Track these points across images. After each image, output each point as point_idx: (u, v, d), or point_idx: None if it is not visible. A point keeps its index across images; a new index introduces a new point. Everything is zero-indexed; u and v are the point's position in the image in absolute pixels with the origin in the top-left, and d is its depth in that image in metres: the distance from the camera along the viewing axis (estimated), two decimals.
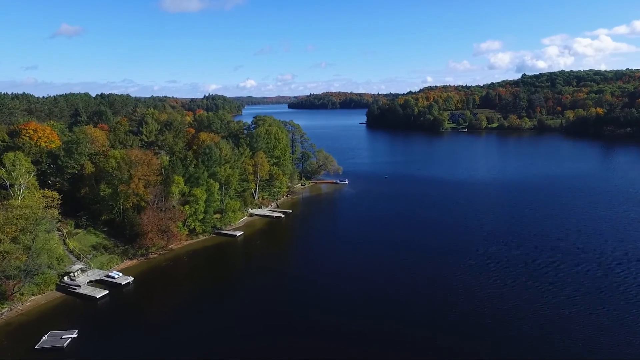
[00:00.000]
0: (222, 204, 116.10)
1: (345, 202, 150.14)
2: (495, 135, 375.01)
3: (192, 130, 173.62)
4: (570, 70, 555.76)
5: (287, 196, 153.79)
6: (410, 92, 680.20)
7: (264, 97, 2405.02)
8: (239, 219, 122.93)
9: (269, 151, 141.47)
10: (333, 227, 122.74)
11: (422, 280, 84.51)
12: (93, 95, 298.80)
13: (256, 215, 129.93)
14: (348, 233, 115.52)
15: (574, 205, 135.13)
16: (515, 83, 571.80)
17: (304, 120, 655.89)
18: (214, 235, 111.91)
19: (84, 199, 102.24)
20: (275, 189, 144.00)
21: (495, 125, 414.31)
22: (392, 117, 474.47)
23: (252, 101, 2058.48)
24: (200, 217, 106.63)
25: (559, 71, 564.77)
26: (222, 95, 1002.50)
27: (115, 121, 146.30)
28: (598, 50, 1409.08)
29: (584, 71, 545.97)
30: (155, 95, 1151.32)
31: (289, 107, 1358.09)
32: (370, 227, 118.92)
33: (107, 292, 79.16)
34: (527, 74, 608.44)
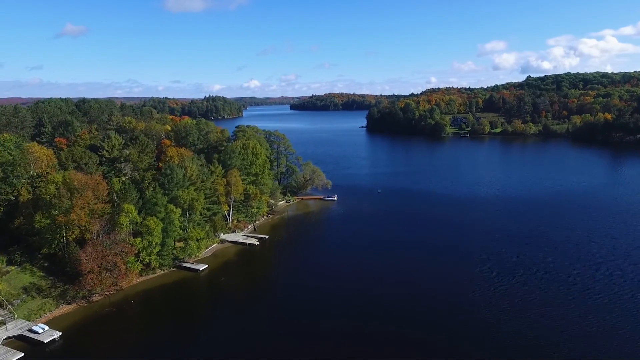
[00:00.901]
0: (185, 232, 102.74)
1: (331, 224, 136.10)
2: (499, 142, 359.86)
3: (168, 142, 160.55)
4: (577, 73, 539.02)
5: (267, 216, 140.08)
6: (412, 95, 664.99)
7: (267, 98, 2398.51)
8: (206, 248, 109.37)
9: (245, 168, 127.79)
10: (314, 257, 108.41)
11: (418, 329, 71.06)
12: (94, 97, 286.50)
13: (228, 241, 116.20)
14: (331, 265, 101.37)
15: (584, 228, 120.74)
16: (519, 86, 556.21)
17: (303, 123, 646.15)
18: (174, 270, 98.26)
19: (19, 230, 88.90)
20: (252, 210, 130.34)
21: (498, 130, 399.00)
22: (392, 120, 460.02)
23: (254, 102, 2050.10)
24: (156, 249, 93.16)
25: (564, 73, 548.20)
26: (223, 97, 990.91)
27: (77, 134, 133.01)
28: (604, 51, 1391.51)
29: (590, 73, 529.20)
30: (155, 97, 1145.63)
31: (291, 108, 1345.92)
32: (356, 257, 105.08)
33: (22, 355, 65.57)
34: (532, 75, 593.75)
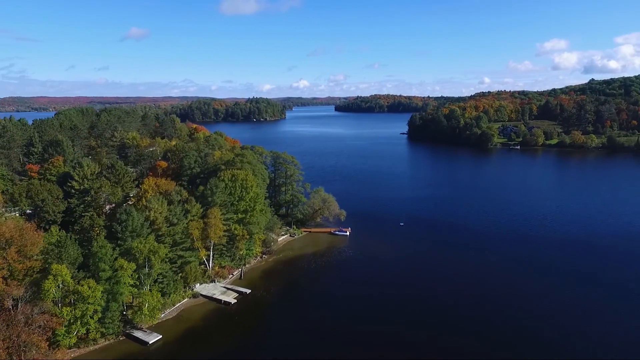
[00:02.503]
0: (141, 289, 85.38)
1: (336, 271, 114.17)
2: (554, 156, 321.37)
3: (162, 165, 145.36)
4: None
5: (262, 257, 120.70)
6: (460, 99, 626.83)
7: (314, 98, 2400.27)
8: (172, 306, 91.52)
9: (231, 204, 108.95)
10: (305, 327, 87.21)
11: None
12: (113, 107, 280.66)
13: (202, 295, 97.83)
14: (325, 342, 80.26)
15: None
16: (580, 90, 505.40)
17: (343, 128, 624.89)
18: (122, 339, 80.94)
19: None
20: (240, 252, 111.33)
21: (554, 141, 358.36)
22: (435, 128, 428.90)
23: (301, 102, 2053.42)
24: (97, 317, 76.14)
25: (635, 76, 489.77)
26: (266, 99, 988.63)
27: (51, 160, 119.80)
28: None
29: None
30: (202, 97, 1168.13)
31: (336, 109, 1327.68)
32: (362, 330, 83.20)
33: None
34: (595, 78, 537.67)
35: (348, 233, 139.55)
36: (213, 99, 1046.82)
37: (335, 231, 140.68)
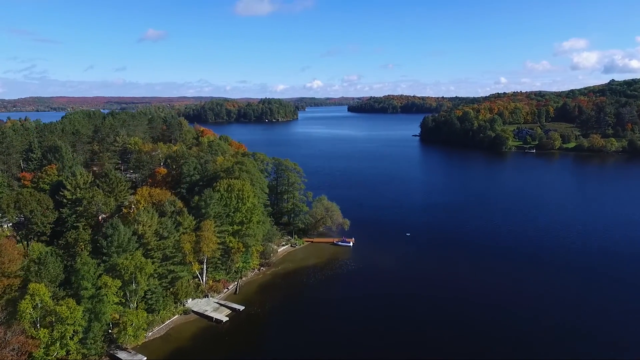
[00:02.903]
0: (129, 306, 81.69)
1: (338, 288, 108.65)
2: (571, 160, 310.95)
3: (162, 172, 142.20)
4: None
5: (259, 269, 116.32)
6: (474, 101, 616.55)
7: (328, 98, 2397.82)
8: (162, 323, 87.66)
9: (227, 216, 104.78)
10: (299, 353, 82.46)
11: None
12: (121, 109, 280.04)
13: (194, 312, 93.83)
14: None
15: None
16: (600, 91, 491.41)
17: (354, 129, 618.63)
18: None
19: None
20: (236, 265, 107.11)
21: (571, 145, 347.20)
22: (448, 130, 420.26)
23: (314, 102, 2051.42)
24: (77, 338, 72.57)
25: None
26: (278, 99, 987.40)
27: (44, 168, 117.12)
28: None
29: None
30: (215, 98, 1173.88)
31: (349, 110, 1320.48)
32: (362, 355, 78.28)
33: None
34: (615, 79, 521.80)
35: (351, 244, 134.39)
36: (226, 100, 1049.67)
37: (338, 241, 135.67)
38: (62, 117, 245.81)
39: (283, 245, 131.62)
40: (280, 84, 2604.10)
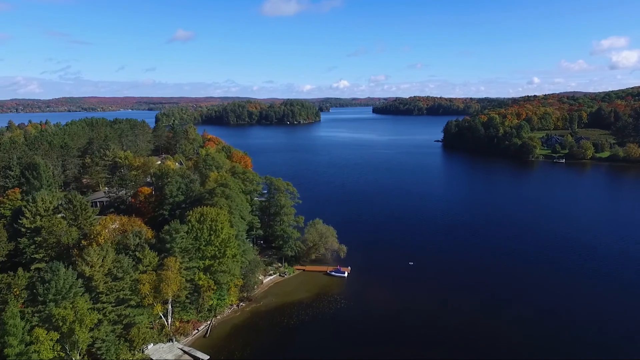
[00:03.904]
0: None
1: (324, 331, 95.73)
2: (604, 171, 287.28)
3: (146, 191, 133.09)
4: None
5: (238, 305, 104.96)
6: (502, 104, 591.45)
7: (354, 99, 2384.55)
8: None
9: (197, 250, 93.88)
10: None
11: None
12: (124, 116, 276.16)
13: None
14: None
15: None
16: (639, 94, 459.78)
17: (376, 133, 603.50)
18: None
19: None
20: (209, 303, 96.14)
21: (605, 154, 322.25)
22: (471, 136, 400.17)
23: (339, 103, 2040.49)
24: None
25: None
26: (301, 100, 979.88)
27: (7, 192, 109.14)
28: None
29: None
30: (245, 97, 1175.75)
31: (374, 111, 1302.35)
32: None
33: None
34: None
35: (346, 274, 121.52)
36: (249, 101, 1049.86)
37: (331, 271, 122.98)
38: (64, 125, 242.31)
39: (270, 275, 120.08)
40: (306, 84, 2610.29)
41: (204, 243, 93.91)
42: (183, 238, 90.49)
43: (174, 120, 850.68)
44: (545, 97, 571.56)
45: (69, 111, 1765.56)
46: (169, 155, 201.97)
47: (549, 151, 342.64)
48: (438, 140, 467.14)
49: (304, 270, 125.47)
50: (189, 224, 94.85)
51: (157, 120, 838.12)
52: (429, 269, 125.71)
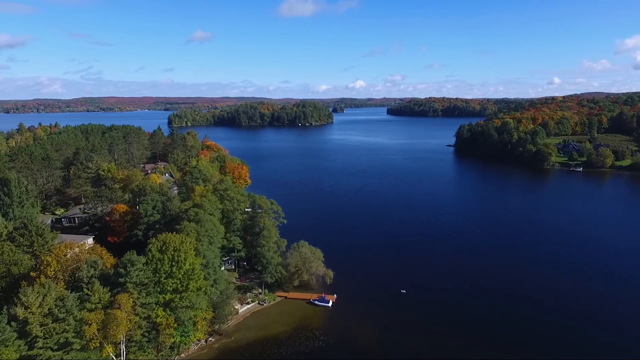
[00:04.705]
0: None
1: None
2: (625, 182, 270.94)
3: (122, 209, 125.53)
4: None
5: (206, 341, 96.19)
6: (519, 107, 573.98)
7: (369, 99, 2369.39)
8: None
9: (157, 283, 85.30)
10: None
11: None
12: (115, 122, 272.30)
13: None
14: None
15: None
16: None
17: (387, 137, 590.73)
18: None
19: None
20: (171, 340, 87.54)
21: (626, 163, 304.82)
22: (484, 142, 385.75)
23: (354, 103, 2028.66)
24: None
25: None
26: (313, 101, 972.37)
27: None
28: None
29: None
30: (261, 97, 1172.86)
31: (388, 112, 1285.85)
32: None
33: None
34: None
35: (331, 303, 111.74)
36: (262, 102, 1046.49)
37: (315, 299, 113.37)
38: (51, 134, 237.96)
39: (247, 304, 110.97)
40: (322, 84, 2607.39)
41: (164, 276, 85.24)
42: (140, 271, 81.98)
43: (185, 122, 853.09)
44: (564, 99, 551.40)
45: (87, 111, 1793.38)
46: (159, 165, 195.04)
47: (566, 158, 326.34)
48: (450, 145, 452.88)
49: (285, 297, 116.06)
50: (149, 254, 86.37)
51: (169, 122, 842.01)
52: (421, 300, 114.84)
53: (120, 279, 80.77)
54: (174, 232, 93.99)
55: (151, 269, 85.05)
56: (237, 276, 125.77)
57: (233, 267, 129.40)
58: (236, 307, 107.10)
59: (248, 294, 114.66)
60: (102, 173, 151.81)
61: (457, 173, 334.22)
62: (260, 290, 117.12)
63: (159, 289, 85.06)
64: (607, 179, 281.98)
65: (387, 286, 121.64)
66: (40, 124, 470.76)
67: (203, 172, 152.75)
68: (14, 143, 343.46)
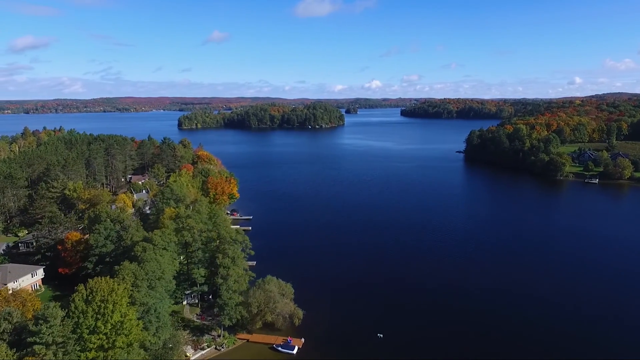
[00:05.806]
0: None
1: None
2: None
3: (75, 237, 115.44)
4: None
5: None
6: (534, 110, 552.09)
7: (385, 99, 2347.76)
8: None
9: (79, 339, 74.36)
10: None
11: None
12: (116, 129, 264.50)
13: None
14: None
15: None
16: None
17: (395, 141, 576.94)
18: None
19: None
20: None
21: None
22: (495, 149, 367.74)
23: (369, 104, 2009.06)
24: None
25: None
26: (324, 103, 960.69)
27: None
28: None
29: None
30: (277, 97, 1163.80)
31: (402, 114, 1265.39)
32: None
33: None
34: None
35: (296, 349, 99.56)
36: (273, 104, 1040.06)
37: (279, 345, 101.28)
38: (27, 148, 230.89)
39: (202, 349, 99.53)
40: (338, 84, 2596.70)
41: (86, 331, 74.23)
42: (53, 327, 71.11)
43: (195, 124, 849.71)
44: (583, 102, 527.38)
45: (104, 111, 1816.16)
46: (146, 179, 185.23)
47: (581, 168, 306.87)
48: (459, 152, 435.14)
49: (248, 340, 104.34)
50: (72, 305, 75.52)
51: (179, 123, 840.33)
52: (400, 346, 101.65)
53: (29, 339, 70.01)
54: (111, 276, 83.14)
55: (72, 323, 74.17)
56: (200, 312, 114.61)
57: (197, 301, 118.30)
58: (188, 355, 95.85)
59: (205, 337, 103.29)
60: (67, 193, 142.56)
61: (464, 186, 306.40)
62: (220, 331, 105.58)
63: (79, 347, 74.08)
64: (625, 192, 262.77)
65: (363, 328, 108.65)
66: (45, 128, 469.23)
67: (175, 191, 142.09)
68: (17, 148, 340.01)
